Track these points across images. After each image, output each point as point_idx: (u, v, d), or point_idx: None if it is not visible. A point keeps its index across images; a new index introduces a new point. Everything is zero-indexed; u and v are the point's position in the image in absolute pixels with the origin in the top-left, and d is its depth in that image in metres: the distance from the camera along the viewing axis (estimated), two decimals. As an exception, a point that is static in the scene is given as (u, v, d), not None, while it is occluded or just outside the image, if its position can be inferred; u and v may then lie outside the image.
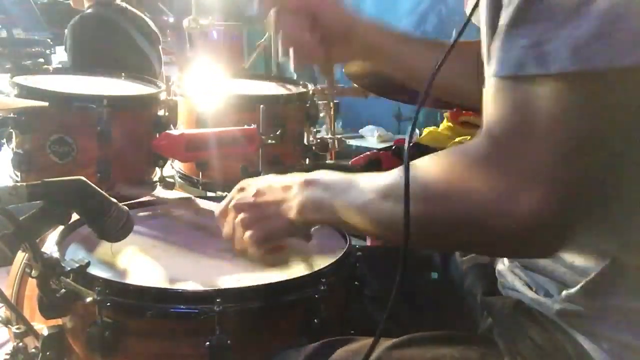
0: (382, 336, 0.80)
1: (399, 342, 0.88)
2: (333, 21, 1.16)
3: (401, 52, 1.20)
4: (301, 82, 1.98)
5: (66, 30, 2.99)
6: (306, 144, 1.79)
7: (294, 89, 1.92)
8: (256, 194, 1.01)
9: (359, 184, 0.87)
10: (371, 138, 3.87)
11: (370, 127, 3.94)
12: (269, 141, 1.55)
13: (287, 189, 0.98)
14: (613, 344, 0.77)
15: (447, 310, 1.11)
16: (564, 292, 0.81)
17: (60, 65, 3.43)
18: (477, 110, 0.76)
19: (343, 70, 1.96)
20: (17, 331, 1.12)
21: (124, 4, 3.09)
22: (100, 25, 2.95)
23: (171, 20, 4.05)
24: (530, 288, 0.88)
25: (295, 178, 0.98)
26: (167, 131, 1.61)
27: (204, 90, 1.78)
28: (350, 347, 0.90)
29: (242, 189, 1.05)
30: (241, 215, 1.01)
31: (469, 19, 0.83)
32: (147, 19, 3.18)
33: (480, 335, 0.95)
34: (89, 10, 2.99)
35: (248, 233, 1.00)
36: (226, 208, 1.06)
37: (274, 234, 1.01)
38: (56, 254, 1.06)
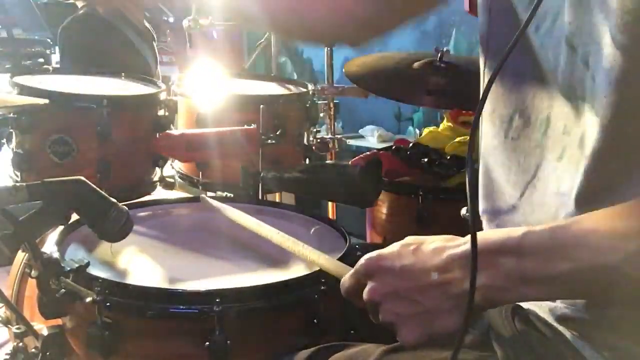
0: (375, 342, 0.77)
1: (392, 347, 0.87)
2: None
3: None
4: (301, 82, 1.98)
5: (58, 33, 2.99)
6: (306, 144, 1.79)
7: (294, 89, 1.92)
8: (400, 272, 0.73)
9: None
10: (371, 138, 3.86)
11: (370, 127, 3.93)
12: (269, 141, 1.55)
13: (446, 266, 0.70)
14: (614, 352, 0.76)
15: None
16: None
17: (60, 65, 3.42)
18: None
19: (343, 70, 1.96)
20: (17, 331, 1.12)
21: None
22: (92, 25, 2.93)
23: (171, 20, 4.04)
24: None
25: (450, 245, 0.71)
26: (167, 131, 1.61)
27: (204, 90, 1.78)
28: (346, 353, 0.89)
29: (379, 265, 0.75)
30: (389, 306, 0.74)
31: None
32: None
33: (475, 339, 0.94)
34: (81, 11, 2.99)
35: (406, 332, 0.74)
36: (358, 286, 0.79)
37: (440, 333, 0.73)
38: (56, 254, 1.06)
